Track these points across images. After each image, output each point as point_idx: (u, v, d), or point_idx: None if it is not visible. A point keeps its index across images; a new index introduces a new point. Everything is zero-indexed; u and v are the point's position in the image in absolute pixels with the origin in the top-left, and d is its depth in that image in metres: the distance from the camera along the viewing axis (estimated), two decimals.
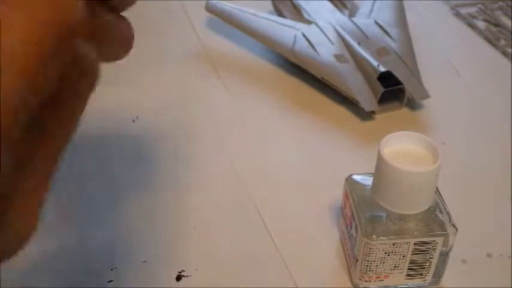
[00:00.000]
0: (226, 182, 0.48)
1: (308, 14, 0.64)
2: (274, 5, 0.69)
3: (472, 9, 0.71)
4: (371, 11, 0.65)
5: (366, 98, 0.54)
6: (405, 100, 0.55)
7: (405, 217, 0.37)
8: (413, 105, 0.56)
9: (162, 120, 0.55)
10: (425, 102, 0.56)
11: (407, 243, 0.37)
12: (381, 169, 0.36)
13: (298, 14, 0.66)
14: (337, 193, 0.46)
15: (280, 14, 0.67)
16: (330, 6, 0.67)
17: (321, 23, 0.62)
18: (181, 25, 0.70)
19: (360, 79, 0.56)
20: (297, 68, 0.60)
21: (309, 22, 0.63)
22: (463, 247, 0.42)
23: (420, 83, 0.56)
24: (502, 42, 0.65)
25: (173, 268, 0.40)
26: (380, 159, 0.36)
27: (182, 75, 0.61)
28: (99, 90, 0.66)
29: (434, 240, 0.37)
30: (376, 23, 0.62)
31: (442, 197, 0.39)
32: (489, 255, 0.42)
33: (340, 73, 0.56)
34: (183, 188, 0.47)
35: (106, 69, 0.69)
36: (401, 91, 0.55)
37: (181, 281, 0.40)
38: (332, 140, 0.53)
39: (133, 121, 0.55)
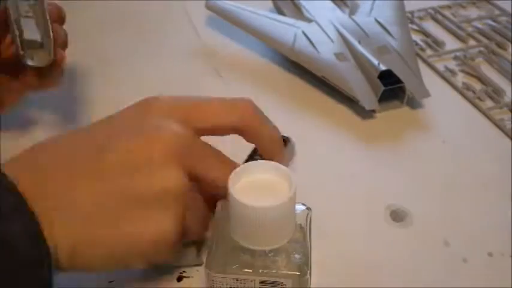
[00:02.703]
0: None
1: (308, 12, 0.64)
2: (274, 3, 0.69)
3: None
4: (371, 9, 0.65)
5: (366, 96, 0.54)
6: (406, 99, 0.55)
7: (254, 252, 0.34)
8: (413, 103, 0.56)
9: None
10: (425, 100, 0.56)
11: (252, 280, 0.34)
12: (229, 201, 0.33)
13: (298, 12, 0.66)
14: (336, 192, 0.46)
15: (280, 12, 0.67)
16: (330, 4, 0.67)
17: (321, 21, 0.62)
18: (182, 24, 0.70)
19: (360, 77, 0.56)
20: (297, 66, 0.60)
21: (309, 20, 0.63)
22: (463, 246, 0.42)
23: (421, 81, 0.56)
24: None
25: (174, 269, 0.40)
26: (228, 191, 0.33)
27: (183, 73, 0.61)
28: (101, 90, 0.66)
29: (282, 282, 0.34)
30: (377, 21, 0.62)
31: (309, 235, 0.36)
32: (490, 254, 0.42)
33: (341, 71, 0.56)
34: None
35: (107, 68, 0.69)
36: (402, 90, 0.55)
37: (182, 281, 0.40)
38: (332, 138, 0.53)
39: None
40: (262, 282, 0.34)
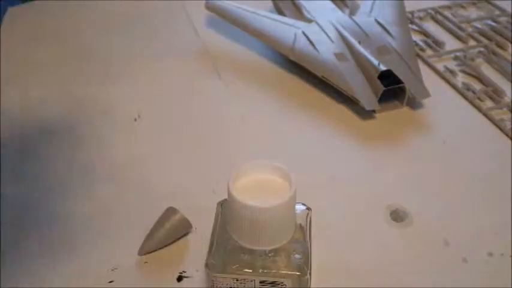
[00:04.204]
0: (226, 182, 0.48)
1: (308, 13, 0.64)
2: (274, 3, 0.69)
3: None
4: (371, 10, 0.65)
5: (366, 97, 0.54)
6: (406, 99, 0.55)
7: (254, 252, 0.34)
8: (413, 104, 0.56)
9: (163, 119, 0.55)
10: (425, 101, 0.56)
11: (252, 280, 0.34)
12: (228, 200, 0.34)
13: (298, 12, 0.66)
14: (336, 193, 0.46)
15: (280, 12, 0.67)
16: (330, 4, 0.67)
17: (321, 22, 0.62)
18: (182, 24, 0.70)
19: (360, 78, 0.56)
20: (297, 66, 0.60)
21: (309, 20, 0.63)
22: (463, 246, 0.42)
23: (421, 81, 0.56)
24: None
25: (174, 269, 0.40)
26: (228, 191, 0.33)
27: (183, 74, 0.61)
28: (101, 90, 0.66)
29: (282, 282, 0.34)
30: (377, 21, 0.62)
31: (309, 235, 0.36)
32: (490, 254, 0.42)
33: (341, 72, 0.56)
34: (183, 188, 0.47)
35: (108, 68, 0.69)
36: (402, 90, 0.55)
37: (182, 281, 0.40)
38: (332, 139, 0.53)
39: (135, 120, 0.55)
40: (262, 282, 0.34)
